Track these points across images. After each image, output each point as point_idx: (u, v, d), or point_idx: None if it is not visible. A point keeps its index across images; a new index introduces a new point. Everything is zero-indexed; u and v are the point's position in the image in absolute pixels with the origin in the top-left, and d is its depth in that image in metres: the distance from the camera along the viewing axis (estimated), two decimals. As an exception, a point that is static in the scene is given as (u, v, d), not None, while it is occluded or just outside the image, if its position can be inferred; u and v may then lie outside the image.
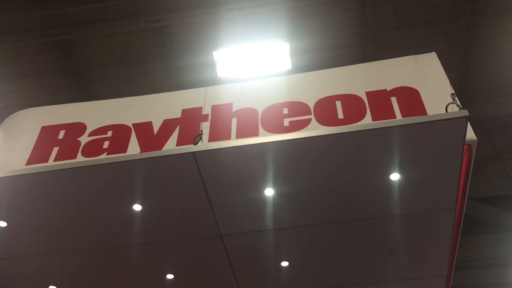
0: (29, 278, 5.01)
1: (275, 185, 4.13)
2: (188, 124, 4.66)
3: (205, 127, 4.58)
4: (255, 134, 4.42)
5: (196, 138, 4.34)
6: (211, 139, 4.45)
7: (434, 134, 3.76)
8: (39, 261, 4.79)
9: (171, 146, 4.46)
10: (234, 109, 4.73)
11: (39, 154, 4.58)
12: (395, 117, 4.27)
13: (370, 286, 5.23)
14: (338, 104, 4.56)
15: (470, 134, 4.02)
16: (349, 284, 5.21)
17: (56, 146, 4.61)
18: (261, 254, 4.76)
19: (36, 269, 4.88)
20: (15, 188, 4.21)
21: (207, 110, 4.76)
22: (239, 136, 4.44)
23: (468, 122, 3.69)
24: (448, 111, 3.87)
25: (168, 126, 4.66)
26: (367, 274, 5.08)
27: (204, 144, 4.31)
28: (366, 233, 4.52)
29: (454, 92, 4.10)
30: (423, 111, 4.27)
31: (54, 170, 4.15)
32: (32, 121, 4.97)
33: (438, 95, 4.36)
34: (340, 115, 4.45)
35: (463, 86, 8.30)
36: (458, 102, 3.95)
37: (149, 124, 4.68)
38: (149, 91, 5.53)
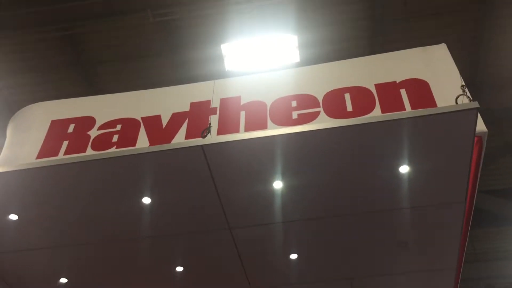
0: (40, 270, 5.06)
1: (284, 178, 4.13)
2: (197, 117, 4.67)
3: (214, 120, 4.59)
4: (264, 127, 4.42)
5: (204, 131, 4.35)
6: (220, 132, 4.46)
7: (444, 126, 3.73)
8: (50, 254, 4.83)
9: (180, 139, 4.47)
10: (242, 102, 4.73)
11: (49, 148, 4.61)
12: (405, 109, 4.25)
13: (379, 278, 5.23)
14: (347, 96, 4.54)
15: (481, 126, 3.99)
16: (358, 276, 5.21)
17: (66, 140, 4.64)
18: (270, 246, 4.77)
19: (47, 261, 4.92)
20: (26, 182, 4.25)
21: (215, 103, 4.77)
22: (247, 129, 4.44)
23: (479, 114, 3.66)
24: (458, 103, 3.84)
25: (176, 119, 4.67)
26: (376, 267, 5.07)
27: (213, 137, 4.31)
28: (375, 226, 4.51)
29: (464, 84, 4.06)
30: (432, 103, 4.24)
31: (64, 164, 4.18)
32: (42, 115, 5.01)
33: (448, 86, 4.33)
34: (349, 108, 4.44)
35: (473, 77, 8.22)
36: (468, 94, 3.92)
37: (157, 118, 4.69)
38: (157, 85, 5.54)
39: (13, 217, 4.41)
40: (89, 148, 4.51)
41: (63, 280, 5.11)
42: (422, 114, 3.74)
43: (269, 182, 4.16)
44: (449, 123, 3.71)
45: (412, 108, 4.22)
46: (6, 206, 4.37)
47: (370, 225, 4.53)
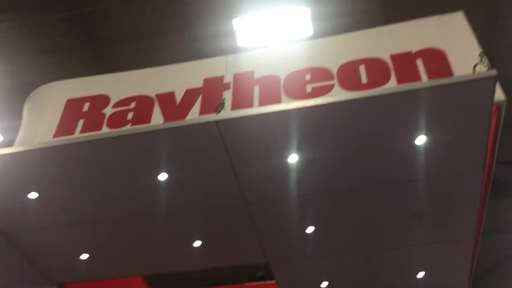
0: (62, 247, 5.17)
1: (299, 152, 4.12)
2: (210, 93, 4.66)
3: (227, 95, 4.57)
4: (278, 101, 4.39)
5: (218, 106, 4.34)
6: (234, 107, 4.45)
7: (462, 95, 3.67)
8: (70, 231, 4.93)
9: (194, 115, 4.48)
10: (255, 76, 4.70)
11: (65, 127, 4.65)
12: (421, 80, 4.18)
13: (395, 250, 5.24)
14: (362, 68, 4.48)
15: (499, 95, 3.91)
16: (375, 249, 5.22)
17: (81, 118, 4.68)
18: (286, 220, 4.79)
19: (68, 238, 5.03)
20: (44, 161, 4.31)
21: (228, 79, 4.74)
22: (261, 103, 4.42)
23: (497, 82, 3.59)
24: (476, 71, 3.76)
25: (190, 95, 4.66)
26: (392, 239, 5.07)
27: (227, 113, 4.30)
28: (392, 198, 4.50)
29: (482, 51, 3.97)
30: (449, 73, 4.16)
31: (81, 142, 4.23)
32: (57, 94, 5.04)
33: (465, 55, 4.24)
34: (364, 80, 4.38)
35: (491, 46, 8.01)
36: (486, 62, 3.83)
37: (171, 94, 4.69)
38: (170, 62, 5.52)
39: (33, 195, 4.49)
40: (104, 126, 4.54)
41: (85, 256, 5.22)
42: (439, 84, 3.68)
43: (284, 156, 4.16)
44: (467, 93, 3.65)
45: (429, 78, 4.15)
46: (26, 185, 4.45)
47: (387, 197, 4.52)
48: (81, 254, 5.21)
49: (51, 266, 5.43)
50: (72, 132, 4.56)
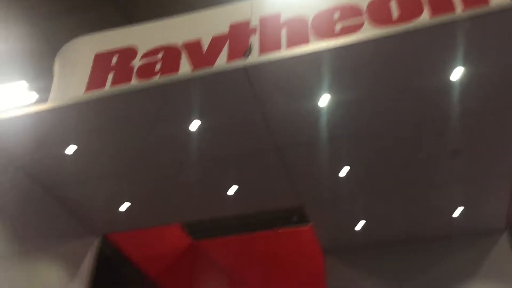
0: (103, 198, 5.36)
1: (330, 93, 4.07)
2: (237, 38, 4.57)
3: (254, 40, 4.48)
4: (306, 42, 4.28)
5: (246, 52, 4.28)
6: (262, 52, 4.36)
7: (499, 25, 3.49)
8: (111, 182, 5.11)
9: (221, 62, 4.43)
10: (282, 19, 4.57)
11: (95, 81, 4.69)
12: (456, 11, 3.97)
13: (432, 189, 5.19)
14: (393, 3, 4.28)
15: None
16: (413, 187, 5.19)
17: (111, 71, 4.70)
18: (320, 163, 4.79)
19: (108, 189, 5.21)
20: (78, 116, 4.41)
21: (254, 23, 4.63)
22: (290, 46, 4.31)
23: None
24: (516, -3, 3.55)
25: (217, 42, 4.59)
26: (430, 176, 5.02)
27: (255, 58, 4.23)
28: (429, 135, 4.42)
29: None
30: (485, 0, 3.94)
31: (112, 96, 4.28)
32: (85, 49, 5.06)
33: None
34: (395, 15, 4.20)
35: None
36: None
37: (198, 42, 4.63)
38: (194, 10, 5.42)
39: (72, 149, 4.63)
40: (134, 78, 4.56)
41: (125, 206, 5.39)
42: (475, 14, 3.51)
43: (315, 99, 4.11)
44: (505, 21, 3.47)
45: (464, 8, 3.94)
46: (63, 140, 4.59)
47: (424, 135, 4.44)
48: (121, 205, 5.39)
49: (94, 217, 5.66)
50: (103, 86, 4.59)
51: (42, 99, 8.72)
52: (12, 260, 4.67)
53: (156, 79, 4.41)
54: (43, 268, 5.05)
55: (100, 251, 6.03)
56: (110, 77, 4.68)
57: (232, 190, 5.18)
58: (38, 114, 4.39)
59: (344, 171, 4.87)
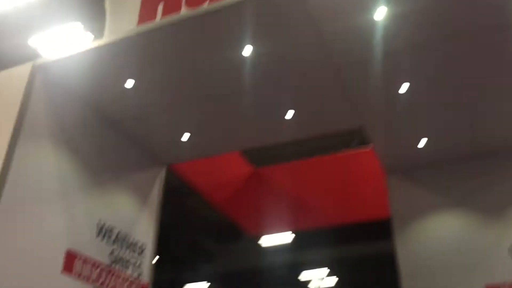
0: (165, 129, 5.54)
1: (388, 5, 3.85)
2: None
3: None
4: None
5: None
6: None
7: None
8: (170, 113, 5.25)
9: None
10: None
11: (146, 13, 4.69)
12: None
13: (499, 104, 4.92)
14: None
15: None
16: (478, 103, 4.94)
17: (160, 2, 4.66)
18: (378, 80, 4.63)
19: (169, 120, 5.37)
20: (133, 49, 4.47)
21: None
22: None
23: None
24: None
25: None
26: (496, 90, 4.75)
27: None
28: (495, 45, 4.13)
29: None
30: None
31: (163, 26, 4.28)
32: (134, -19, 5.03)
33: None
34: None
35: None
36: None
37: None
38: None
39: (131, 83, 4.75)
40: (183, 7, 4.50)
41: (186, 136, 5.54)
42: None
43: (370, 10, 3.91)
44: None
45: None
46: (122, 74, 4.71)
47: (489, 45, 4.16)
48: (182, 134, 5.54)
49: (158, 149, 5.88)
50: (154, 17, 4.59)
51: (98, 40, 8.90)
52: (89, 190, 4.99)
53: (206, 6, 4.34)
54: (116, 198, 5.38)
55: (166, 182, 6.29)
56: (160, 8, 4.66)
57: (290, 114, 5.16)
58: (96, 50, 4.50)
59: (404, 88, 4.69)
